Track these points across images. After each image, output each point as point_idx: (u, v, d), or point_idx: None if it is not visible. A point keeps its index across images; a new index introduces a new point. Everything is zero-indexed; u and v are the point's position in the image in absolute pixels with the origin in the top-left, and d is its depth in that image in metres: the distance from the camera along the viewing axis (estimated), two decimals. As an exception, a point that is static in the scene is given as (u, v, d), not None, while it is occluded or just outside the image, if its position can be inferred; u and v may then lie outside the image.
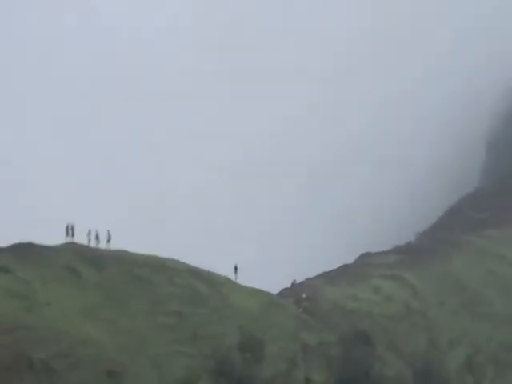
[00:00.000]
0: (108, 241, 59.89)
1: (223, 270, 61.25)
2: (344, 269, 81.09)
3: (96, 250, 56.16)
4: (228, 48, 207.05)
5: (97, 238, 59.14)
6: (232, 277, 62.02)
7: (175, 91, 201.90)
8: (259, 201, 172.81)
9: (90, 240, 58.75)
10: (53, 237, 56.43)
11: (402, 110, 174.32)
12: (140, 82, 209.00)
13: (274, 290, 64.78)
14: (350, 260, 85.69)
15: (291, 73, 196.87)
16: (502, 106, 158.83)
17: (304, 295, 64.41)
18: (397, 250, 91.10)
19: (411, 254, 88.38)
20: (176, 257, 58.46)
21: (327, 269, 79.25)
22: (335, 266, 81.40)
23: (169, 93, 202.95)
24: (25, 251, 51.45)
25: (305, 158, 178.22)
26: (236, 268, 63.28)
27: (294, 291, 66.43)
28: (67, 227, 57.69)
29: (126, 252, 56.16)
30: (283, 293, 66.95)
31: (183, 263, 58.72)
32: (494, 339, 74.04)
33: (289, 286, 69.40)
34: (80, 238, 57.55)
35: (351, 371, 58.47)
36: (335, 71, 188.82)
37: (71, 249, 54.70)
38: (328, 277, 76.06)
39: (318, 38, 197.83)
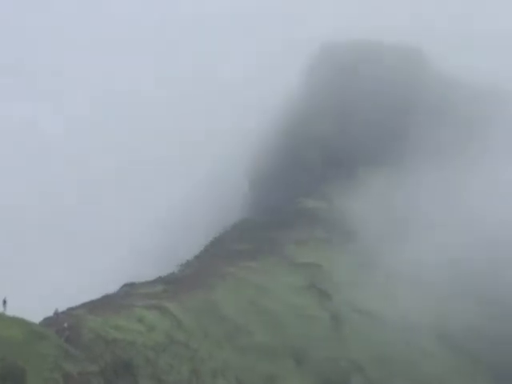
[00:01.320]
0: None
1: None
2: (107, 298, 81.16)
3: None
4: None
5: None
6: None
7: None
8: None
9: None
10: None
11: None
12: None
13: (37, 319, 63.61)
14: (112, 290, 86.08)
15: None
16: (263, 140, 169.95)
17: (66, 324, 63.68)
18: (160, 281, 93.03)
19: (175, 284, 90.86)
20: None
21: (90, 298, 79.03)
22: (98, 296, 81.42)
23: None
24: None
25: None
26: (5, 301, 63.13)
27: (56, 321, 65.36)
28: None
29: None
30: (46, 322, 65.67)
31: None
32: (257, 371, 78.22)
33: (51, 315, 68.39)
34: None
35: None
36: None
37: None
38: (91, 306, 75.54)
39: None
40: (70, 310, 73.53)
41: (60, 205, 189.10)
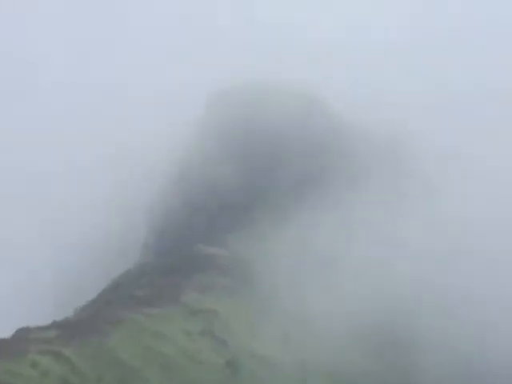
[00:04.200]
0: None
1: None
2: (0, 343, 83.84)
3: None
4: None
5: None
6: None
7: None
8: None
9: None
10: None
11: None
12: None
13: None
14: (6, 334, 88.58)
15: None
16: (163, 182, 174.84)
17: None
18: (55, 325, 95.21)
19: (70, 329, 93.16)
20: None
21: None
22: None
23: None
24: None
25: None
26: None
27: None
28: None
29: None
30: None
31: None
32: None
33: None
34: None
35: None
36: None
37: None
38: (-16, 351, 78.29)
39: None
40: (-37, 354, 75.89)
41: None
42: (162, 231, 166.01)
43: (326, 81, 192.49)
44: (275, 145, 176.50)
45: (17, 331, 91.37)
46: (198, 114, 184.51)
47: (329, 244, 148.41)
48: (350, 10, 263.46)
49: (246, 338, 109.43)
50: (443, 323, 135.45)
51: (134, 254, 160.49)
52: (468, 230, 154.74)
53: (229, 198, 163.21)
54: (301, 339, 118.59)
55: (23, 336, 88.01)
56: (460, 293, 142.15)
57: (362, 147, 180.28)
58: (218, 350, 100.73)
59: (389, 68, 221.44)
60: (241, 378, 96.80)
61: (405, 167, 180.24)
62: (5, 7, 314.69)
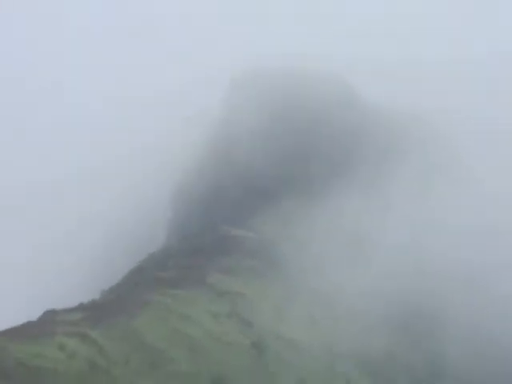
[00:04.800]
0: None
1: None
2: (28, 325, 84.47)
3: None
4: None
5: None
6: None
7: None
8: None
9: None
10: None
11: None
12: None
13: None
14: (34, 317, 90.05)
15: None
16: (186, 168, 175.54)
17: (-12, 351, 67.68)
18: (82, 308, 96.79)
19: (96, 311, 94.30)
20: None
21: (12, 325, 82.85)
22: (20, 322, 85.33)
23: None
24: None
25: None
26: None
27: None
28: None
29: None
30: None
31: None
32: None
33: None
34: None
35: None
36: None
37: None
38: (12, 333, 79.19)
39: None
40: (-9, 336, 77.33)
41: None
42: (187, 215, 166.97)
43: (349, 66, 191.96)
44: (303, 130, 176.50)
45: (44, 313, 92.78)
46: (225, 96, 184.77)
47: (355, 227, 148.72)
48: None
49: (272, 320, 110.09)
50: (470, 301, 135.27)
51: (160, 235, 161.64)
52: (497, 207, 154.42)
53: (255, 182, 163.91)
54: (327, 322, 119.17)
55: (50, 318, 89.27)
56: (487, 270, 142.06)
57: (388, 133, 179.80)
58: (244, 332, 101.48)
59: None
60: (267, 359, 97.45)
61: (432, 149, 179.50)
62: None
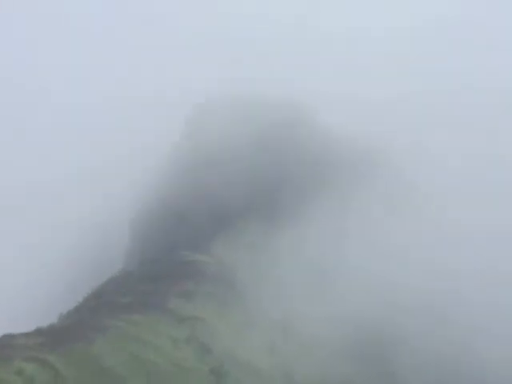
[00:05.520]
0: None
1: None
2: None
3: None
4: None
5: None
6: None
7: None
8: None
9: None
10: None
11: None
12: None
13: None
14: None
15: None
16: (146, 191, 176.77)
17: None
18: (40, 332, 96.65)
19: (55, 335, 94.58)
20: None
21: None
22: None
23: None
24: None
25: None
26: None
27: None
28: None
29: None
30: None
31: None
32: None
33: None
34: None
35: None
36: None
37: None
38: (-32, 357, 79.77)
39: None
40: None
41: None
42: (147, 239, 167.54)
43: (314, 92, 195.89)
44: (262, 155, 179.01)
45: (1, 338, 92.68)
46: (184, 124, 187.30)
47: (317, 253, 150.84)
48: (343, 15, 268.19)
49: (231, 346, 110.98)
50: (430, 329, 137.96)
51: (117, 260, 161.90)
52: (459, 237, 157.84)
53: (217, 207, 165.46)
54: (288, 348, 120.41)
55: (7, 343, 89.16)
56: (449, 299, 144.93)
57: (350, 158, 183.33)
58: (203, 358, 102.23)
59: (376, 76, 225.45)
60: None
61: (394, 176, 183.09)
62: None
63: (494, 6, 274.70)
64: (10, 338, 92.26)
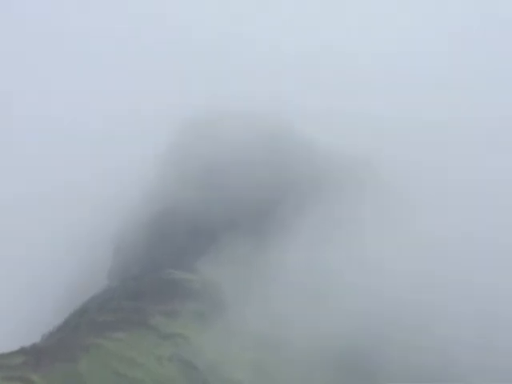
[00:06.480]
0: None
1: None
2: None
3: None
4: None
5: None
6: None
7: None
8: None
9: None
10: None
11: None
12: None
13: None
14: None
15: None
16: (128, 211, 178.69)
17: None
18: (23, 351, 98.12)
19: (38, 355, 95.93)
20: None
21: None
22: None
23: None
24: None
25: None
26: None
27: None
28: None
29: None
30: None
31: None
32: None
33: None
34: None
35: None
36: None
37: None
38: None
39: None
40: None
41: None
42: (129, 258, 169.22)
43: (301, 107, 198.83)
44: (247, 170, 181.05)
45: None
46: (169, 139, 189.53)
47: (302, 269, 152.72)
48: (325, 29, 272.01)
49: (215, 363, 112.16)
50: (417, 341, 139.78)
51: (101, 279, 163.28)
52: (446, 250, 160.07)
53: (202, 224, 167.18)
54: (272, 364, 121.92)
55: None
56: (436, 311, 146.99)
57: (337, 172, 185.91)
58: (187, 375, 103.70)
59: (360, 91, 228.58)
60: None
61: (382, 190, 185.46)
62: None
63: (493, 18, 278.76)
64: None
